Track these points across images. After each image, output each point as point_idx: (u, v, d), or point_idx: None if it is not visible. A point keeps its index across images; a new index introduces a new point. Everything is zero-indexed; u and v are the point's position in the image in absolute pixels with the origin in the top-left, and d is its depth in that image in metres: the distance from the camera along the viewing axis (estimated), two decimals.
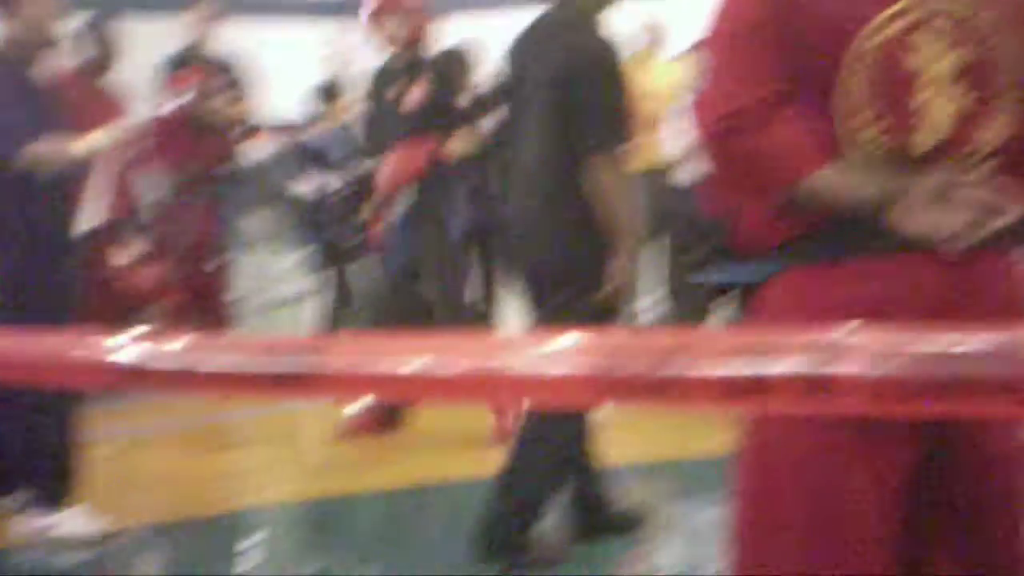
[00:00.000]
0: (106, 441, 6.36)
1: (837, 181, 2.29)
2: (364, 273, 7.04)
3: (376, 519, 5.85)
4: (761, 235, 2.39)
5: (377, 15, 6.61)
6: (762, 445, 2.33)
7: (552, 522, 4.83)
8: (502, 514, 4.60)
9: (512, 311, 5.69)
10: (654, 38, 9.31)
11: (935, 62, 2.29)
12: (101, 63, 7.97)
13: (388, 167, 6.42)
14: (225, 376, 1.62)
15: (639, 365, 1.43)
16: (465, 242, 6.53)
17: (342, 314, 8.54)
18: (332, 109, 8.79)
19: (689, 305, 7.55)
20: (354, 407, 6.72)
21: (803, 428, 2.25)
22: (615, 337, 1.53)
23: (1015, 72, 2.31)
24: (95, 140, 5.23)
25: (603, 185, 4.42)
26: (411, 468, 6.31)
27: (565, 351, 1.44)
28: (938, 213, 2.28)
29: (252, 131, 9.10)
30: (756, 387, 1.46)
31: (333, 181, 8.50)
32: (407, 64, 6.59)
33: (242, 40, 10.92)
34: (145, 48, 8.46)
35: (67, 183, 5.24)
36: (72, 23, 7.32)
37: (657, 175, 7.95)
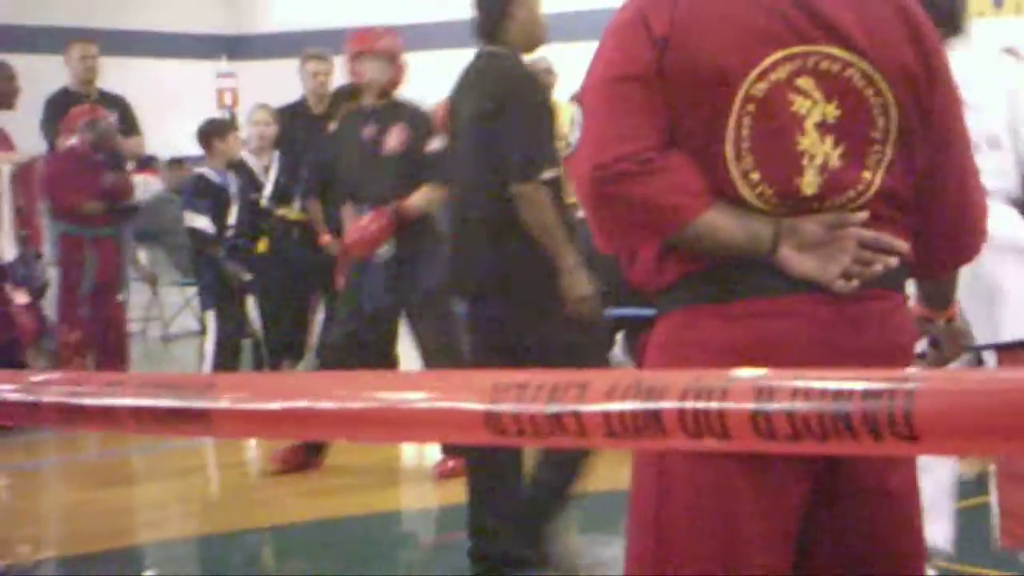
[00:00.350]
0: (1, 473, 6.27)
1: (722, 223, 2.30)
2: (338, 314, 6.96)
3: (276, 553, 5.82)
4: (649, 276, 2.41)
5: (357, 57, 6.64)
6: (655, 480, 2.35)
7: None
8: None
9: None
10: None
11: (815, 108, 2.33)
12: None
13: (356, 232, 6.47)
14: (117, 412, 1.62)
15: (533, 403, 1.46)
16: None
17: (238, 346, 8.51)
18: (225, 144, 8.76)
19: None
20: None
21: (695, 463, 2.28)
22: (509, 374, 1.55)
23: (888, 124, 2.36)
24: None
25: (531, 209, 4.61)
26: (309, 503, 6.29)
27: (457, 389, 1.46)
28: (824, 254, 2.32)
29: (146, 166, 9.05)
30: (648, 424, 1.49)
31: (230, 215, 8.48)
32: (385, 107, 6.63)
33: (133, 76, 10.87)
34: (26, 86, 8.36)
35: None
36: None
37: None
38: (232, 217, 8.50)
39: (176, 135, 11.01)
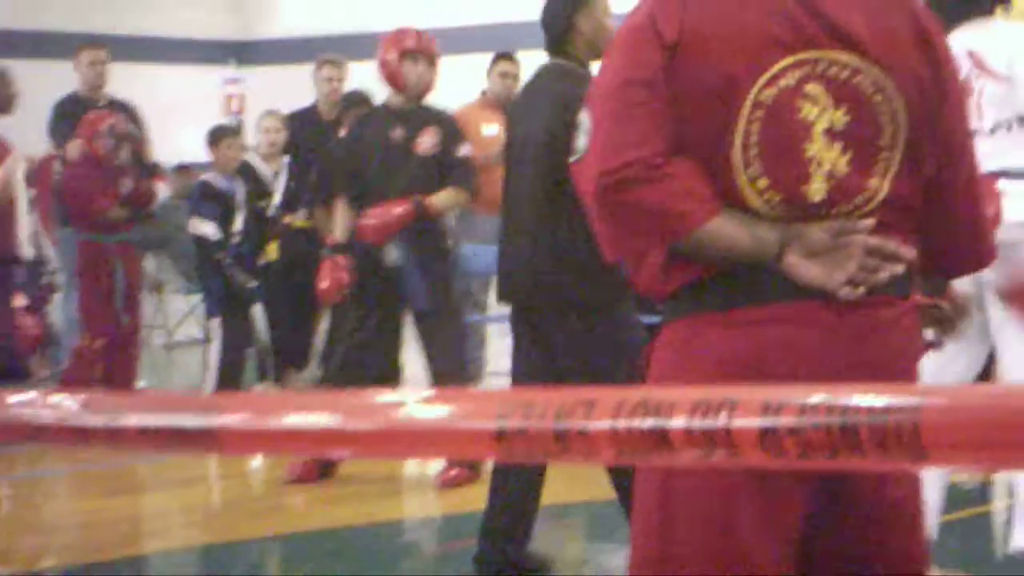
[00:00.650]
0: (4, 484, 6.26)
1: (729, 230, 2.30)
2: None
3: (282, 562, 5.82)
4: (655, 282, 2.41)
5: (405, 57, 6.61)
6: (658, 488, 2.35)
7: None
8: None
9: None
10: None
11: (824, 114, 2.33)
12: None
13: (375, 217, 6.45)
14: (124, 431, 1.62)
15: (541, 420, 1.45)
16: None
17: (243, 355, 8.50)
18: (232, 150, 8.75)
19: None
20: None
21: (699, 476, 2.28)
22: (516, 393, 1.54)
23: (897, 131, 2.36)
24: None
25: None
26: (312, 513, 6.28)
27: (465, 407, 1.46)
28: (830, 260, 2.32)
29: (153, 172, 9.03)
30: (656, 441, 1.49)
31: (236, 222, 8.47)
32: (413, 110, 6.62)
33: (140, 82, 10.87)
34: (30, 91, 8.36)
35: None
36: None
37: None
38: (238, 224, 8.49)
39: (182, 142, 11.01)
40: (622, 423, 1.45)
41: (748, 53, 2.30)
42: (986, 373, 4.58)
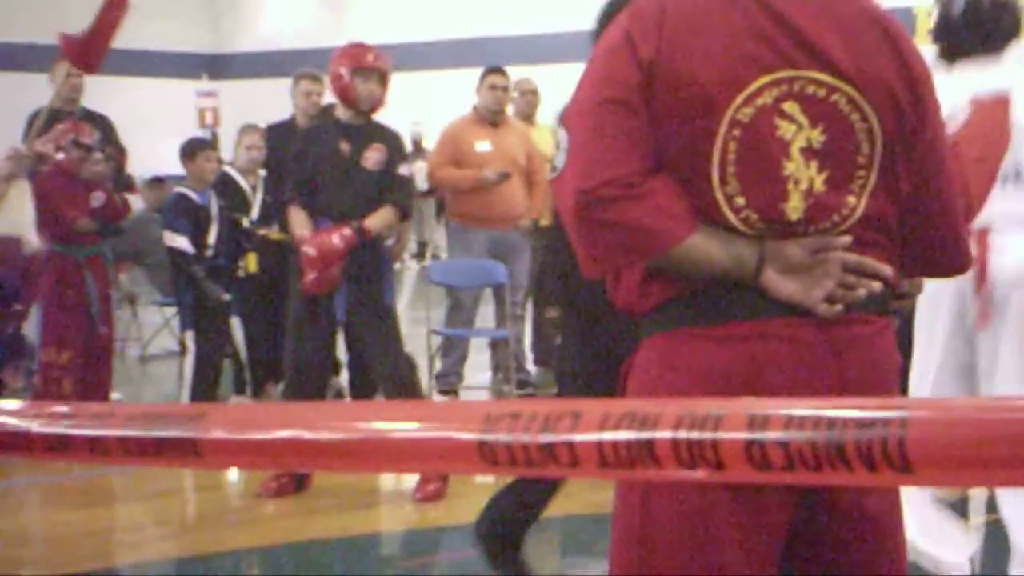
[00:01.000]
0: None
1: (707, 247, 2.30)
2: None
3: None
4: (634, 299, 2.40)
5: (356, 72, 6.62)
6: (639, 501, 2.35)
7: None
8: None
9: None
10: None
11: (800, 133, 2.33)
12: None
13: (319, 241, 6.47)
14: (106, 442, 1.61)
15: (526, 432, 1.45)
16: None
17: (219, 367, 8.46)
18: (207, 163, 8.72)
19: None
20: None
21: (679, 485, 2.27)
22: (501, 405, 1.54)
23: (873, 150, 2.36)
24: None
25: None
26: (288, 525, 6.26)
27: (449, 419, 1.45)
28: (808, 277, 2.32)
29: (127, 185, 8.99)
30: (641, 454, 1.48)
31: (210, 235, 8.44)
32: (363, 126, 6.65)
33: (115, 94, 10.84)
34: (4, 103, 8.32)
35: None
36: None
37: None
38: (212, 237, 8.46)
39: (156, 154, 10.97)
40: (608, 435, 1.45)
41: (725, 72, 2.30)
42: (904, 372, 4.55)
